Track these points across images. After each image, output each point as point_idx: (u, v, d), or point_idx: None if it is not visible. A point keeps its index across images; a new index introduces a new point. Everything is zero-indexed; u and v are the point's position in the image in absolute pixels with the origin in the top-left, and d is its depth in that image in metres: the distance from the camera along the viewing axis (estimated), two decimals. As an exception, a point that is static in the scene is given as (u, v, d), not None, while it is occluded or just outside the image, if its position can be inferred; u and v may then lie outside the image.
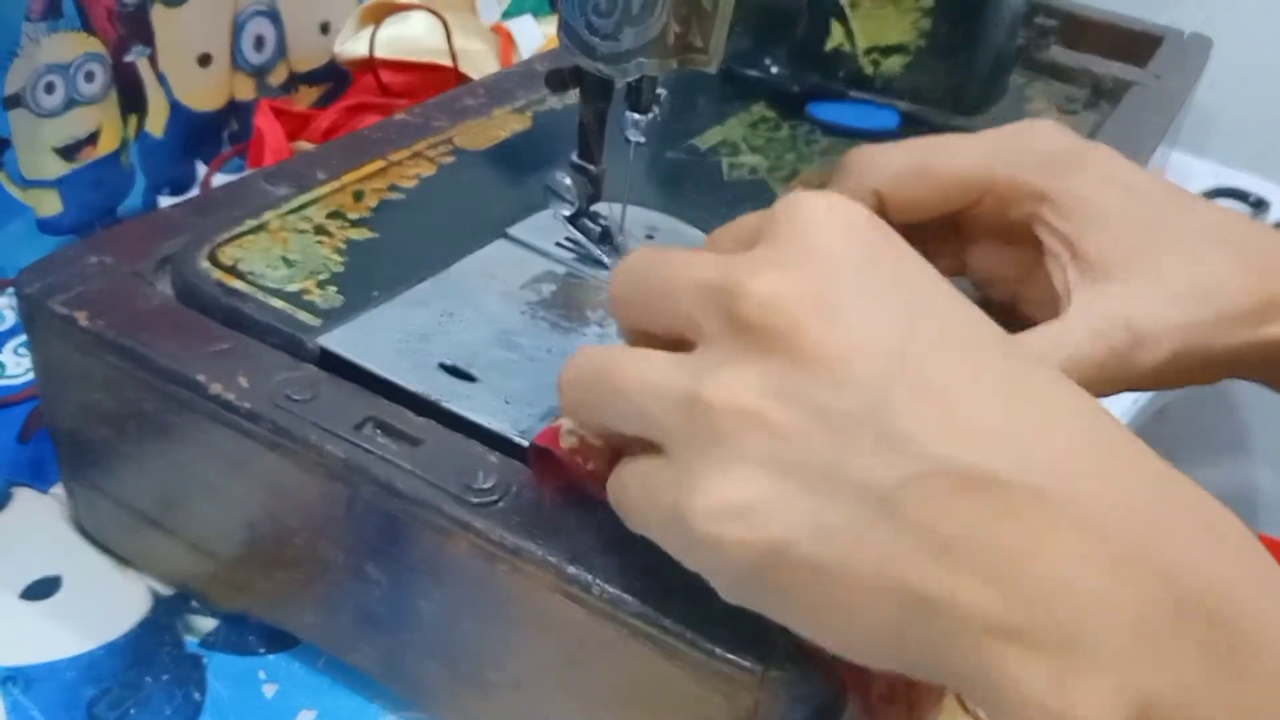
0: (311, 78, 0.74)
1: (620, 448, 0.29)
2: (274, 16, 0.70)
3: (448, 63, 0.70)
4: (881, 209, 0.36)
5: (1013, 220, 0.36)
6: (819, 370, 0.23)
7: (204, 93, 0.67)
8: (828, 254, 0.25)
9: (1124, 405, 0.61)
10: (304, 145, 0.66)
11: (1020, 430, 0.23)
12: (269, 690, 0.38)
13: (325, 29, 0.74)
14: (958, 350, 0.24)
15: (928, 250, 0.36)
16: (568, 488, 0.32)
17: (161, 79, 0.63)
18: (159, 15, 0.62)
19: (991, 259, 0.39)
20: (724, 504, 0.24)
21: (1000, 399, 0.23)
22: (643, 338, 0.28)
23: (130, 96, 0.62)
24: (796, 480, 0.23)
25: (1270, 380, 0.36)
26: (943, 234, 0.39)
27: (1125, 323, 0.33)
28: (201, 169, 0.68)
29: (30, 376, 0.51)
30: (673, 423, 0.25)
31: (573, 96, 0.42)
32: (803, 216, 0.26)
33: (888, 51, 0.61)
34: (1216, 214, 0.35)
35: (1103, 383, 0.34)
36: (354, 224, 0.43)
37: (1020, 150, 0.35)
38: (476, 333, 0.38)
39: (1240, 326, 0.33)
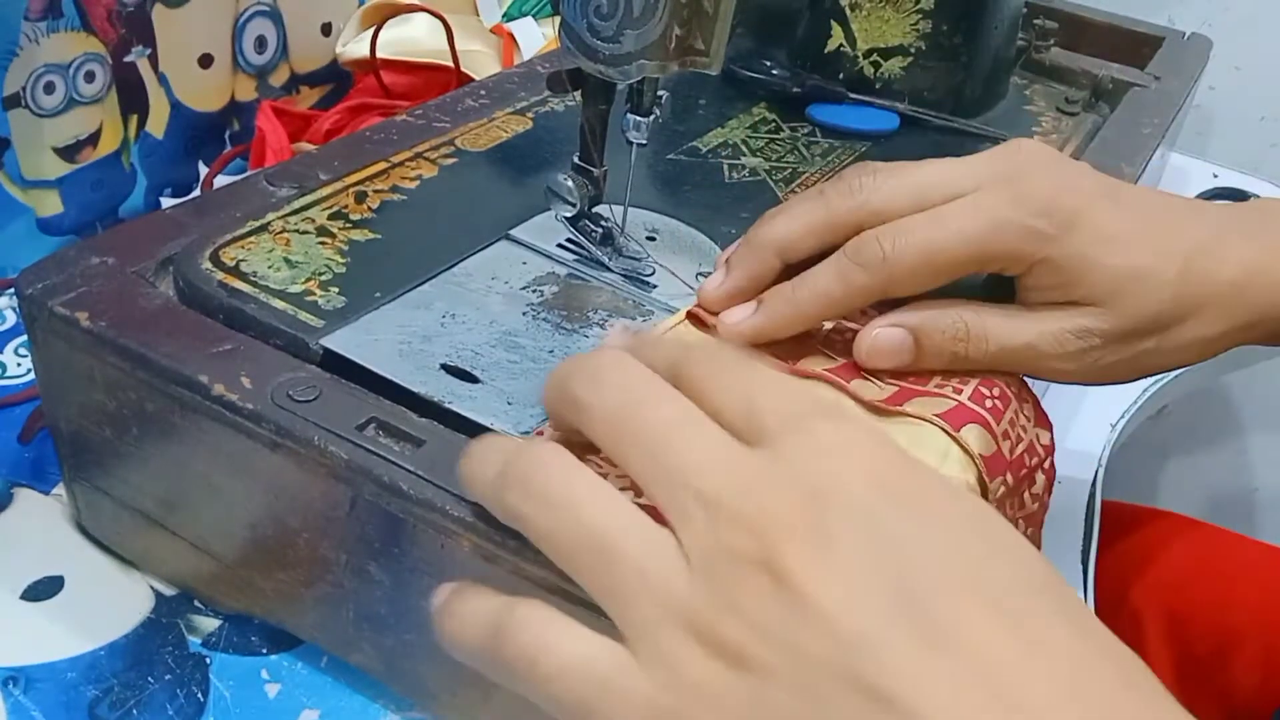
0: (313, 79, 0.74)
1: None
2: (275, 17, 0.70)
3: (449, 64, 0.70)
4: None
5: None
6: (804, 605, 0.23)
7: (205, 93, 0.67)
8: (830, 485, 0.24)
9: (1123, 405, 0.61)
10: (305, 146, 0.66)
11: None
12: (272, 690, 0.38)
13: (327, 30, 0.74)
14: (956, 585, 0.23)
15: None
16: None
17: (162, 79, 0.63)
18: (160, 15, 0.62)
19: None
20: None
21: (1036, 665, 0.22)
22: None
23: (131, 97, 0.62)
24: None
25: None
26: None
27: (1083, 330, 0.37)
28: (203, 169, 0.68)
29: (31, 377, 0.51)
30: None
31: (574, 98, 0.42)
32: (816, 439, 0.25)
33: (888, 53, 0.61)
34: (1196, 230, 0.38)
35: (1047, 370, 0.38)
36: (356, 225, 0.43)
37: (1013, 222, 0.36)
38: (478, 334, 0.39)
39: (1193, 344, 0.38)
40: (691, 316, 0.38)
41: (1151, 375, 0.39)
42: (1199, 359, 0.39)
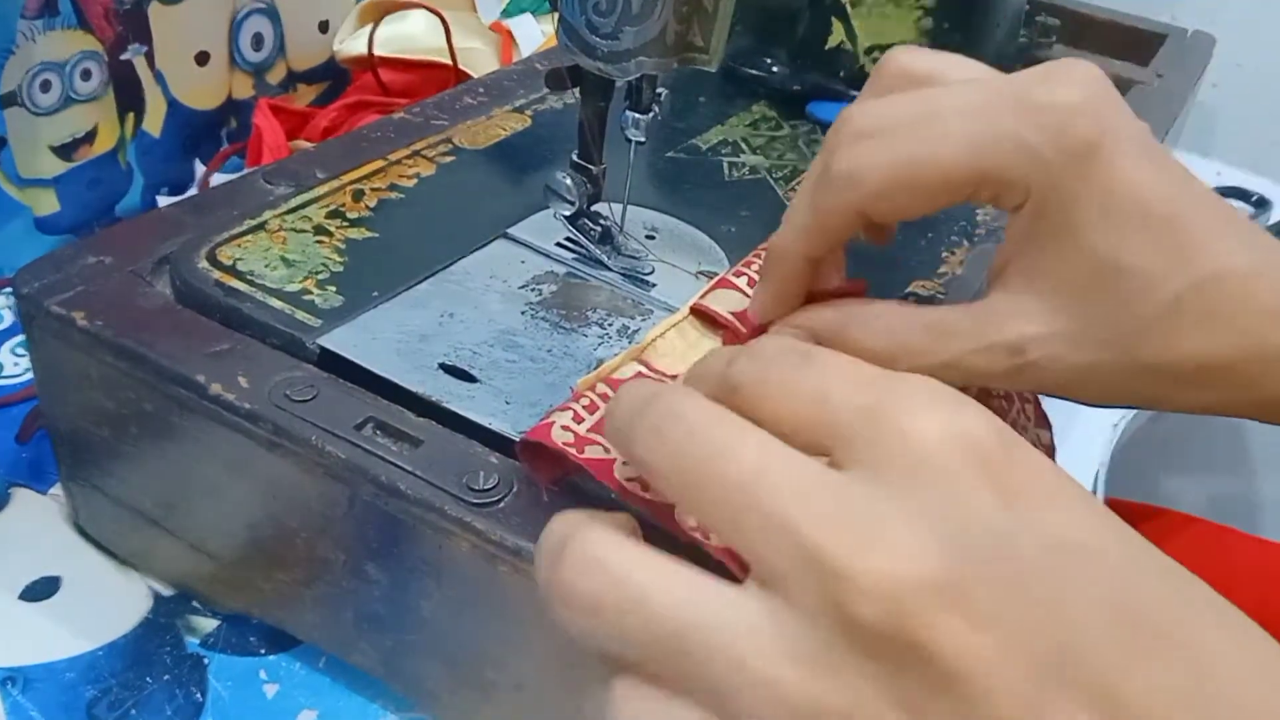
0: (310, 76, 0.74)
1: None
2: (272, 14, 0.69)
3: (447, 61, 0.70)
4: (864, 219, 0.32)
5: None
6: (963, 690, 0.19)
7: (202, 91, 0.67)
8: (954, 510, 0.20)
9: (1122, 408, 0.61)
10: (303, 144, 0.66)
11: None
12: (270, 690, 0.38)
13: (324, 27, 0.74)
14: (1126, 630, 0.20)
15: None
16: (563, 478, 0.32)
17: (159, 77, 0.63)
18: (156, 13, 0.62)
19: None
20: None
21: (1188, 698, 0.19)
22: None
23: (127, 95, 0.62)
24: None
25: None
26: None
27: (1015, 346, 0.31)
28: (200, 168, 0.68)
29: (28, 376, 0.51)
30: None
31: (573, 95, 0.42)
32: (914, 440, 0.21)
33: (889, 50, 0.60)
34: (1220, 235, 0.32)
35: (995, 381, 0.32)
36: (353, 223, 0.43)
37: (1020, 141, 0.29)
38: (477, 333, 0.38)
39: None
40: (696, 312, 0.38)
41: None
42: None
